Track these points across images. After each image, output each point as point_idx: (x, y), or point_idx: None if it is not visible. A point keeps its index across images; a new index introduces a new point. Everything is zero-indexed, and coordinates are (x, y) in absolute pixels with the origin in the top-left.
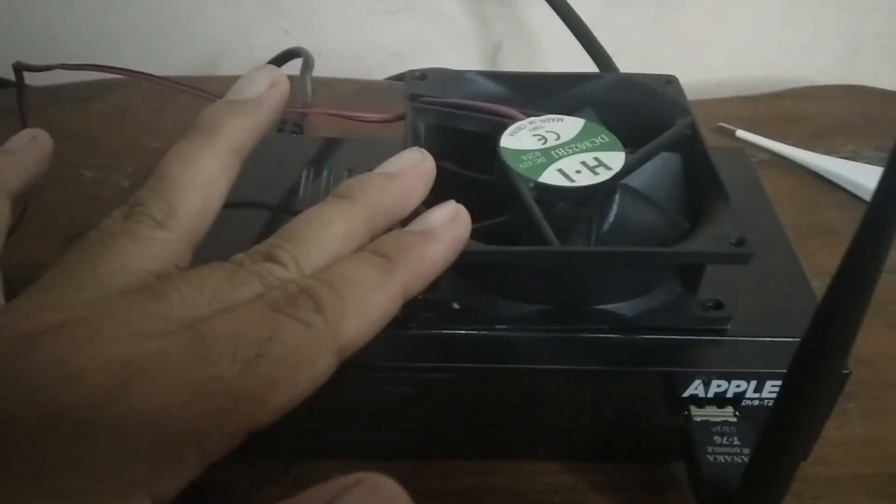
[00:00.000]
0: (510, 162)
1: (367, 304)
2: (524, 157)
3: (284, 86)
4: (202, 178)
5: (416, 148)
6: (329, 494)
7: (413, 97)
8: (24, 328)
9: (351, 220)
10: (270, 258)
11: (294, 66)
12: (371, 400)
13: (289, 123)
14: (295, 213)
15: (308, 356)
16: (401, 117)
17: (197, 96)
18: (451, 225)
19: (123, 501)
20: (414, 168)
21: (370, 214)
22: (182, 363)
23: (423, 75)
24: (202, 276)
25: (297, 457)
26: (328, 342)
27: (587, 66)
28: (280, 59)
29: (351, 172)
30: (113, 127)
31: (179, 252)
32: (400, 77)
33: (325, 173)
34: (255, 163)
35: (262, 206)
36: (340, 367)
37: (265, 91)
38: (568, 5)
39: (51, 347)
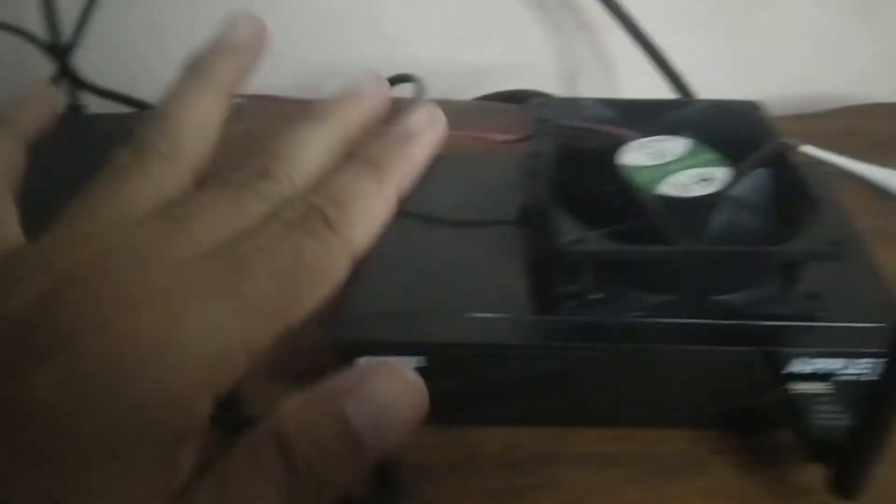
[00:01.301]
0: (630, 176)
1: (370, 212)
2: (642, 172)
3: (264, 31)
4: (200, 115)
5: (373, 73)
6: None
7: (539, 120)
8: (72, 258)
9: (328, 136)
10: (265, 175)
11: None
12: (525, 374)
13: None
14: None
15: (329, 266)
16: (527, 138)
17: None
18: (430, 127)
19: (192, 401)
20: (376, 91)
21: (344, 131)
22: (230, 284)
23: (546, 101)
24: (212, 200)
25: (461, 423)
26: (343, 252)
27: (661, 88)
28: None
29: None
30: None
31: (186, 183)
32: (489, 97)
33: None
34: None
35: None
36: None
37: (249, 37)
38: (643, 31)
39: (104, 276)
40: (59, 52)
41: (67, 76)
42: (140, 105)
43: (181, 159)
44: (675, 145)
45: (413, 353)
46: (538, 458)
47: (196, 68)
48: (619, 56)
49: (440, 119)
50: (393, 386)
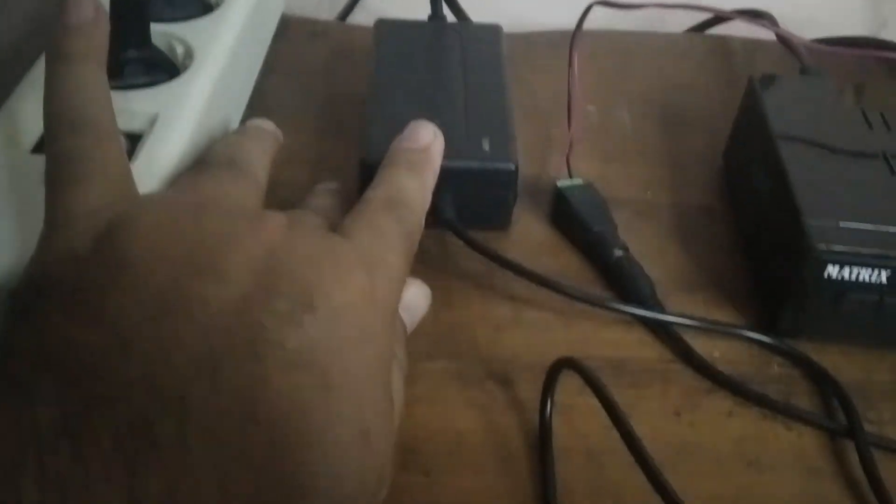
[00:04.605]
0: None
1: (425, 199)
2: None
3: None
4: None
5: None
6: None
7: None
8: (259, 229)
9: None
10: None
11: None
12: None
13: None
14: None
15: (417, 236)
16: None
17: None
18: (436, 140)
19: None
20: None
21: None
22: (393, 252)
23: None
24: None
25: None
26: (419, 225)
27: None
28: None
29: None
30: (587, 71)
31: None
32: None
33: None
34: None
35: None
36: None
37: (274, 129)
38: None
39: (306, 243)
40: None
41: None
42: None
43: (264, 178)
44: None
45: (878, 267)
46: None
47: (255, 132)
48: None
49: (440, 134)
50: (415, 291)
